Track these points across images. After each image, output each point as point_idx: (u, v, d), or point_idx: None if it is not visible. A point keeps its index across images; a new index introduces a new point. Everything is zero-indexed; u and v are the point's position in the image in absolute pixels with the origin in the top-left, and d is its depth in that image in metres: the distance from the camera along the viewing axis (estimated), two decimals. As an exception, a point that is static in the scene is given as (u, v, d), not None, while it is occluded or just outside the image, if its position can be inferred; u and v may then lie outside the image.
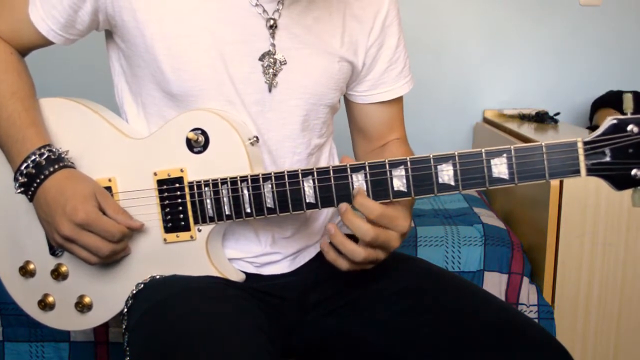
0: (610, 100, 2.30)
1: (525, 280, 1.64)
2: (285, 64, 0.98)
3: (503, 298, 1.63)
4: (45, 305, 1.04)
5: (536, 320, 1.52)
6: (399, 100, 1.13)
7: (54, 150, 0.96)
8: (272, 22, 0.96)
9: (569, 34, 2.50)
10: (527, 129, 2.14)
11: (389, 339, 0.95)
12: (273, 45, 0.97)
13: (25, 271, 1.04)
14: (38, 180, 0.94)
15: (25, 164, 0.94)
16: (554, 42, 2.50)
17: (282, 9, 0.97)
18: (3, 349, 1.62)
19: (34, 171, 0.94)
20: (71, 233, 0.92)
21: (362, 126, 1.14)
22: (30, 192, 0.95)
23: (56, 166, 0.94)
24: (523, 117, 2.37)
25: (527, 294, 1.63)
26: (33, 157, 0.94)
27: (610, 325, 1.65)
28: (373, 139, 1.15)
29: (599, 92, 2.38)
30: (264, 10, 0.96)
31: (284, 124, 1.01)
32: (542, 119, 2.29)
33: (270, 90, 0.98)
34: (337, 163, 1.01)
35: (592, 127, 2.32)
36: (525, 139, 1.92)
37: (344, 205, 0.87)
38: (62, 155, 0.97)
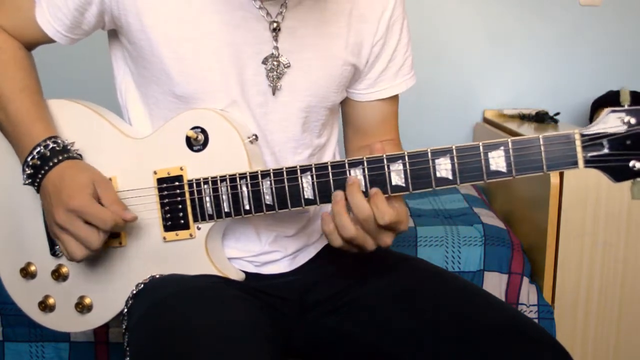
0: (610, 100, 2.30)
1: (525, 280, 1.64)
2: (289, 67, 0.98)
3: (503, 298, 1.63)
4: (45, 306, 1.04)
5: (536, 320, 1.53)
6: (394, 99, 1.12)
7: (59, 142, 0.96)
8: (275, 24, 0.96)
9: (569, 34, 2.50)
10: (527, 129, 2.14)
11: (388, 339, 0.95)
12: (276, 48, 0.97)
13: (26, 272, 1.04)
14: (42, 172, 0.94)
15: (30, 156, 0.95)
16: (554, 42, 2.50)
17: (285, 12, 0.97)
18: (3, 349, 1.62)
19: (39, 162, 0.94)
20: (64, 220, 0.91)
21: (356, 123, 1.13)
22: (36, 184, 0.96)
23: (60, 157, 0.95)
24: (523, 117, 2.37)
25: (527, 294, 1.63)
26: (38, 149, 0.95)
27: (610, 325, 1.65)
28: (365, 135, 1.13)
29: (599, 92, 2.38)
30: (268, 13, 0.96)
31: (287, 126, 1.01)
32: (542, 119, 2.29)
33: (274, 93, 0.99)
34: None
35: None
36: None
37: (373, 190, 0.85)
38: (68, 147, 0.97)
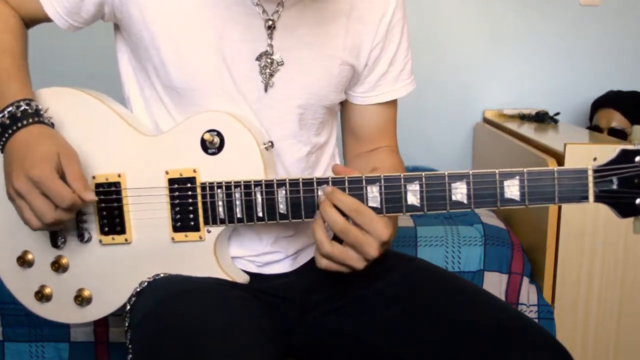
0: (610, 100, 2.30)
1: (525, 280, 1.64)
2: (282, 64, 0.98)
3: (503, 298, 1.63)
4: (42, 296, 1.02)
5: (536, 320, 1.53)
6: (393, 105, 1.12)
7: (32, 104, 0.94)
8: (270, 22, 0.97)
9: (569, 34, 2.50)
10: (527, 129, 2.14)
11: (389, 339, 0.95)
12: (270, 45, 0.97)
13: (23, 261, 1.03)
14: (10, 131, 0.92)
15: (1, 114, 0.92)
16: (554, 42, 2.51)
17: (282, 10, 0.97)
18: (3, 349, 1.62)
19: (7, 122, 0.92)
20: (23, 188, 0.89)
21: (355, 128, 1.14)
22: (1, 144, 0.93)
23: (30, 120, 0.92)
24: (523, 117, 2.38)
25: (527, 294, 1.63)
26: (10, 109, 0.92)
27: (610, 325, 1.65)
28: (364, 141, 1.14)
29: (599, 92, 2.39)
30: (264, 11, 0.96)
31: (282, 122, 1.01)
32: (542, 119, 2.30)
33: (266, 90, 0.99)
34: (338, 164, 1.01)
35: (592, 127, 2.33)
36: (525, 139, 1.92)
37: (328, 188, 0.87)
38: (41, 112, 0.95)
